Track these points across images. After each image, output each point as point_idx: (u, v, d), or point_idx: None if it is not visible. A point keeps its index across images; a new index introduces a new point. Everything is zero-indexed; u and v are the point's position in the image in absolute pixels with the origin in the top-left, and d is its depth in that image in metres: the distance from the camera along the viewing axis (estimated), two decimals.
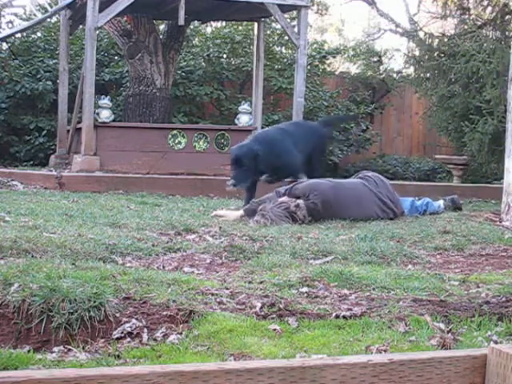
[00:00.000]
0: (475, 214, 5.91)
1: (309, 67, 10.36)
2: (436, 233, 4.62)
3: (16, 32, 10.35)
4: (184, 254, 3.66)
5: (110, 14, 8.21)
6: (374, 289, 2.93)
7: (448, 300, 2.75)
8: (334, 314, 2.52)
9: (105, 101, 8.49)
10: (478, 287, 3.03)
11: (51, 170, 8.41)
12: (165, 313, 2.46)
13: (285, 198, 5.13)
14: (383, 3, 20.64)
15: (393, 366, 1.31)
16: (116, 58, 11.06)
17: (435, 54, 9.94)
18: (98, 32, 8.73)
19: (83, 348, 2.27)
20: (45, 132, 10.05)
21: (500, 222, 5.48)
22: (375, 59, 12.89)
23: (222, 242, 3.94)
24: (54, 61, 10.36)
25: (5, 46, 10.78)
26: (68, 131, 9.30)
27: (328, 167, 11.23)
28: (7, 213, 4.70)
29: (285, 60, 11.82)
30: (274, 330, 2.36)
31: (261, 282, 2.97)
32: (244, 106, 9.13)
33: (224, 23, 11.92)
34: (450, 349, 2.17)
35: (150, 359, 2.14)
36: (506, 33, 10.08)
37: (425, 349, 2.18)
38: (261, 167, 5.69)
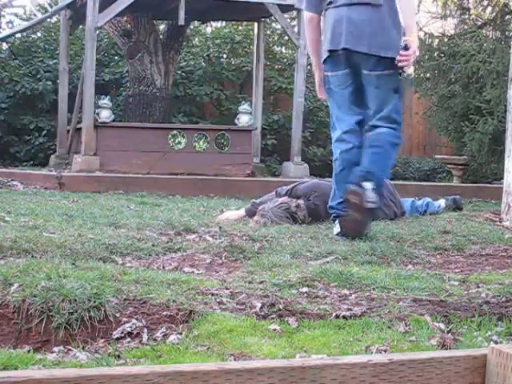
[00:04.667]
0: (475, 214, 5.91)
1: (309, 67, 10.36)
2: (436, 233, 4.62)
3: (16, 32, 10.35)
4: (184, 253, 3.66)
5: (110, 14, 8.21)
6: (373, 289, 2.93)
7: (448, 300, 2.75)
8: (334, 314, 2.52)
9: (105, 101, 8.49)
10: (478, 287, 3.03)
11: (51, 170, 8.41)
12: (165, 313, 2.46)
13: (285, 199, 5.13)
14: None
15: (393, 366, 1.31)
16: (116, 57, 11.06)
17: (435, 54, 9.95)
18: (97, 32, 8.73)
19: (83, 348, 2.27)
20: (45, 132, 10.06)
21: (500, 221, 5.48)
22: None
23: (222, 242, 3.93)
24: (54, 61, 10.36)
25: (5, 46, 10.78)
26: (68, 131, 9.30)
27: (328, 167, 11.23)
28: (7, 213, 4.70)
29: (285, 60, 11.82)
30: (274, 330, 2.36)
31: (261, 282, 2.97)
32: (244, 106, 9.12)
33: (224, 23, 11.92)
34: (449, 349, 2.17)
35: (150, 359, 2.14)
36: (506, 33, 10.09)
37: (425, 349, 2.18)
38: None
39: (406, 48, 4.17)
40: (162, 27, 10.82)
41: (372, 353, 2.14)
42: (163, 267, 3.28)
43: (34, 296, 2.45)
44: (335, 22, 4.31)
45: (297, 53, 9.08)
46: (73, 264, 3.02)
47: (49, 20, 10.86)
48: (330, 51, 4.36)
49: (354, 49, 4.26)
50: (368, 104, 4.37)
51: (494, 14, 10.19)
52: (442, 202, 6.15)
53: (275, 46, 11.98)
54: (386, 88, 4.30)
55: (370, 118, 4.37)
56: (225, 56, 11.59)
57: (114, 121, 8.62)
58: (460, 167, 10.26)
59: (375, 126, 4.35)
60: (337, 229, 4.36)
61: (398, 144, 4.40)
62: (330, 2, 4.37)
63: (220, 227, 4.45)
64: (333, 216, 4.45)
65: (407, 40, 4.20)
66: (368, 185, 4.18)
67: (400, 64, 4.20)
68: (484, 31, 10.13)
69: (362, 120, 4.42)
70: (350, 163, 4.36)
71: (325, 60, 4.45)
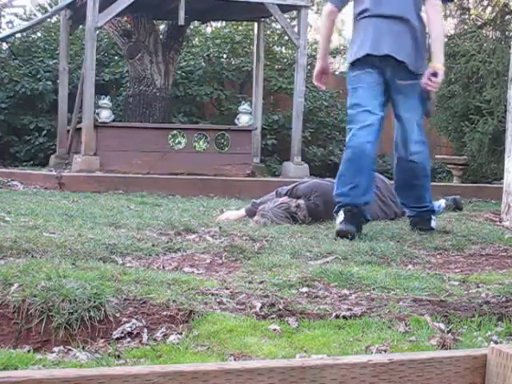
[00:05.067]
0: (475, 214, 5.91)
1: (309, 67, 10.36)
2: (436, 233, 4.62)
3: (16, 32, 10.35)
4: (184, 253, 3.65)
5: (110, 14, 8.21)
6: (373, 289, 2.93)
7: (448, 300, 2.75)
8: (334, 314, 2.52)
9: (105, 101, 8.49)
10: (478, 287, 3.03)
11: (51, 170, 8.41)
12: (165, 313, 2.46)
13: (285, 198, 5.13)
14: None
15: (393, 366, 1.31)
16: (116, 57, 11.06)
17: None
18: (97, 32, 8.73)
19: (83, 348, 2.27)
20: (45, 132, 10.05)
21: (500, 221, 5.48)
22: None
23: (222, 242, 3.93)
24: (54, 61, 10.36)
25: (5, 46, 10.78)
26: (68, 131, 9.30)
27: (328, 167, 11.23)
28: (7, 213, 4.70)
29: (285, 60, 11.82)
30: (274, 330, 2.36)
31: (261, 282, 2.97)
32: (244, 106, 9.12)
33: (224, 23, 11.92)
34: (449, 349, 2.17)
35: (150, 359, 2.14)
36: (506, 33, 10.09)
37: (425, 349, 2.18)
38: None
39: (435, 74, 4.42)
40: (162, 27, 10.82)
41: (372, 353, 2.14)
42: (163, 267, 3.28)
43: (34, 296, 2.45)
44: (376, 30, 4.55)
45: (297, 53, 9.07)
46: (73, 264, 3.02)
47: (49, 20, 10.85)
48: (367, 55, 4.56)
49: (396, 57, 4.50)
50: (398, 112, 4.65)
51: (494, 14, 10.19)
52: (442, 202, 6.15)
53: (275, 46, 11.98)
54: (414, 96, 4.57)
55: (400, 129, 4.66)
56: (225, 56, 11.59)
57: (114, 121, 8.62)
58: (460, 167, 10.26)
59: (411, 154, 4.64)
60: (341, 217, 4.39)
61: (429, 169, 4.79)
62: (365, 10, 4.59)
63: (220, 227, 4.45)
64: (339, 205, 4.46)
65: (436, 67, 4.44)
66: (433, 223, 4.78)
67: (428, 88, 4.47)
68: (484, 31, 10.13)
69: (382, 118, 4.62)
70: (361, 155, 4.50)
71: (354, 62, 4.64)
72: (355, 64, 4.64)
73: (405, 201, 4.82)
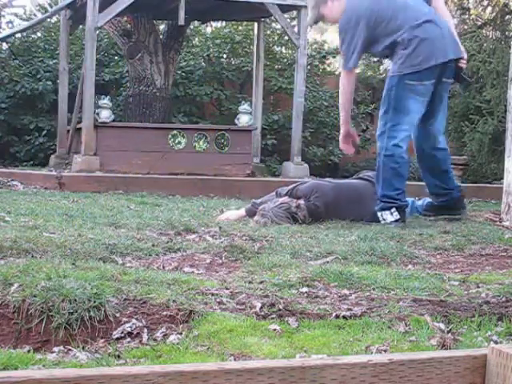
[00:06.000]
0: (475, 214, 5.91)
1: (309, 67, 10.36)
2: (436, 233, 4.62)
3: (16, 32, 10.35)
4: (184, 253, 3.65)
5: (110, 14, 8.21)
6: (373, 289, 2.93)
7: (448, 300, 2.75)
8: (334, 314, 2.52)
9: (105, 101, 8.49)
10: (478, 287, 3.03)
11: (51, 170, 8.41)
12: (165, 313, 2.46)
13: (285, 199, 5.13)
14: None
15: (393, 366, 1.31)
16: (116, 57, 11.06)
17: None
18: (97, 32, 8.73)
19: (83, 348, 2.27)
20: (45, 132, 10.05)
21: (500, 221, 5.48)
22: (375, 59, 12.89)
23: (222, 242, 3.93)
24: (54, 61, 10.36)
25: (5, 46, 10.78)
26: (68, 131, 9.30)
27: (328, 167, 11.23)
28: (7, 213, 4.70)
29: (285, 60, 11.82)
30: (274, 330, 2.36)
31: (261, 282, 2.97)
32: (244, 106, 9.12)
33: (224, 23, 11.92)
34: (450, 349, 2.17)
35: (150, 359, 2.14)
36: (506, 33, 10.10)
37: (425, 349, 2.18)
38: None
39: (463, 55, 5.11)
40: (162, 27, 10.82)
41: (372, 353, 2.14)
42: (163, 267, 3.28)
43: (34, 296, 2.45)
44: (430, 40, 4.89)
45: (297, 53, 9.07)
46: (73, 264, 3.02)
47: (49, 20, 10.85)
48: (434, 65, 4.90)
49: (455, 56, 4.97)
50: (437, 107, 5.07)
51: (494, 14, 10.20)
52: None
53: (275, 46, 11.98)
54: (447, 94, 5.15)
55: (435, 122, 5.11)
56: (225, 56, 11.59)
57: (114, 121, 8.62)
58: (460, 167, 10.25)
59: (440, 142, 5.16)
60: (395, 215, 4.97)
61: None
62: (400, 28, 4.96)
63: (220, 227, 4.45)
64: (388, 205, 4.99)
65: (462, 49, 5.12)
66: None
67: (463, 67, 5.14)
68: (484, 31, 10.14)
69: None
70: (402, 163, 5.07)
71: (415, 73, 4.93)
72: (414, 74, 4.93)
73: (438, 181, 5.19)
